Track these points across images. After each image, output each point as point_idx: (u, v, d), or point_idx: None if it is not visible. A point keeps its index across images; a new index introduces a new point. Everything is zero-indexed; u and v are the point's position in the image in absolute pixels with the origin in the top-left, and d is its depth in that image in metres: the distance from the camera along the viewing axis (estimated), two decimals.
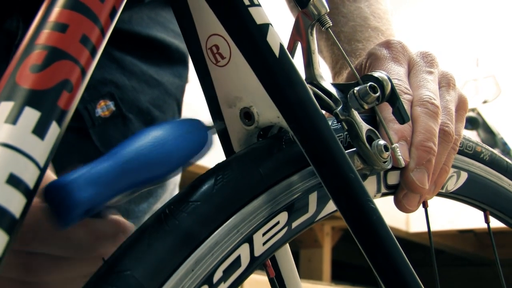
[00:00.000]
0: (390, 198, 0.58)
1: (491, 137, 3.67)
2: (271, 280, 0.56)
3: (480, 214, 0.68)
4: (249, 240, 0.45)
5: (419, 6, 4.25)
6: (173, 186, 0.92)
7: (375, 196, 0.55)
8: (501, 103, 3.72)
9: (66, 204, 0.38)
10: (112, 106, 0.80)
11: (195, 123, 0.47)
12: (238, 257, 0.44)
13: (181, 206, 0.42)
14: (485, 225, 0.68)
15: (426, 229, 0.65)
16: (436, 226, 3.42)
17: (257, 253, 0.45)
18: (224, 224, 0.43)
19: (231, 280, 0.44)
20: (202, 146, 0.47)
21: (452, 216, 3.36)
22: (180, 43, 0.89)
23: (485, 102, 3.73)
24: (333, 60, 0.73)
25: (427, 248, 3.59)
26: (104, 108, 0.80)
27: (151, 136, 0.43)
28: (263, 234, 0.46)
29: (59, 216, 0.39)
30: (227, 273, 0.43)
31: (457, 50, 3.93)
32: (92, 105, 0.78)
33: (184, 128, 0.46)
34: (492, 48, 3.94)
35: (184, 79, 0.90)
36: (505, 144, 3.67)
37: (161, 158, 0.43)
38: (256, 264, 0.46)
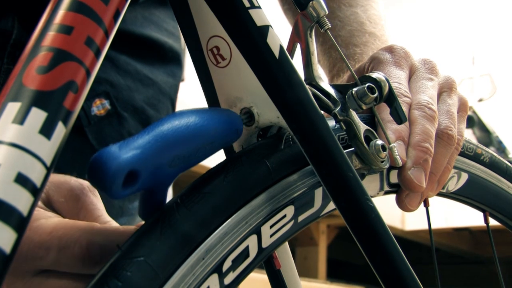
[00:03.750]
0: (387, 196, 0.59)
1: (486, 135, 3.68)
2: (277, 272, 0.57)
3: (475, 212, 0.69)
4: (257, 231, 0.46)
5: (416, 4, 4.25)
6: None
7: (378, 193, 0.56)
8: (497, 102, 3.73)
9: (106, 170, 0.37)
10: (107, 105, 0.80)
11: (228, 111, 0.48)
12: (247, 248, 0.45)
13: (193, 196, 0.44)
14: (480, 223, 0.69)
15: (421, 227, 0.66)
16: (431, 224, 3.42)
17: (264, 244, 0.47)
18: (234, 216, 0.45)
19: (240, 270, 0.45)
20: (233, 128, 0.47)
21: (447, 214, 3.37)
22: (173, 42, 0.90)
23: (480, 100, 3.74)
24: (330, 63, 0.74)
25: (422, 246, 3.59)
26: (99, 106, 0.80)
27: (185, 114, 0.44)
28: (271, 226, 0.47)
29: (105, 185, 0.37)
30: (236, 262, 0.45)
31: (453, 48, 3.94)
32: (88, 104, 0.79)
33: (218, 111, 0.47)
34: (488, 46, 3.95)
35: (177, 78, 0.90)
36: (500, 142, 3.68)
37: (194, 131, 0.43)
38: (263, 255, 0.47)
